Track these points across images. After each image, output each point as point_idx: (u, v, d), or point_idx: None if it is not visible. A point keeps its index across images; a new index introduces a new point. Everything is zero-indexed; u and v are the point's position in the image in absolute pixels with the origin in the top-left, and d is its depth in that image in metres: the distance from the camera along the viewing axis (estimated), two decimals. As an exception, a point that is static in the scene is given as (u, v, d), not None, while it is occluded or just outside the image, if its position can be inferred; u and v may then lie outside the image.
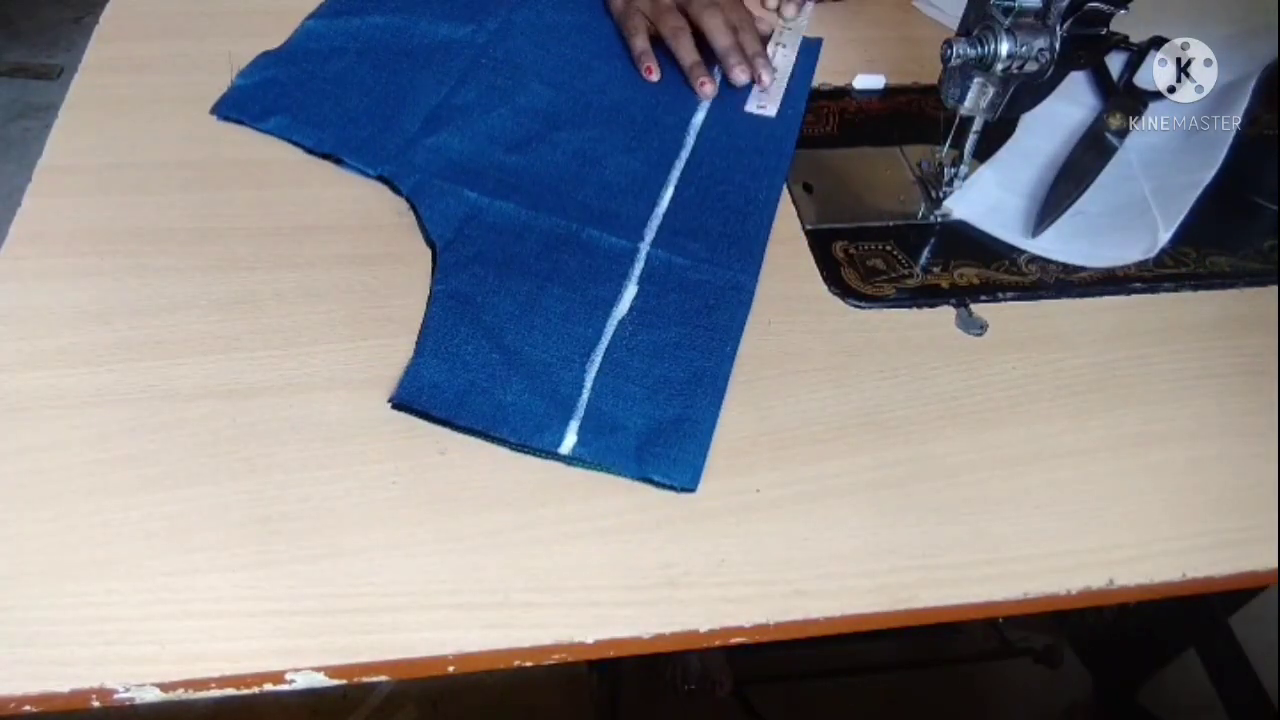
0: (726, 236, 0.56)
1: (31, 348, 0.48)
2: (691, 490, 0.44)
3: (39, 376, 0.46)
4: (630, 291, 0.52)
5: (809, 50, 0.70)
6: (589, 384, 0.48)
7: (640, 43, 0.66)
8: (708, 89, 0.64)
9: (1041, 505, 0.45)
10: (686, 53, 0.65)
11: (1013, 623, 1.12)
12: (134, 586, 0.39)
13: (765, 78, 0.64)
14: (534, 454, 0.45)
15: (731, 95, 0.65)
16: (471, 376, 0.47)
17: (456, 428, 0.45)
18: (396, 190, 0.57)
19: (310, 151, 0.59)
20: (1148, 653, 1.07)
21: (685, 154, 0.61)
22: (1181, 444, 0.48)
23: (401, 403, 0.46)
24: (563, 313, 0.51)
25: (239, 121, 0.60)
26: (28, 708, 0.37)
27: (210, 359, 0.48)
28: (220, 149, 0.58)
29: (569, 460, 0.45)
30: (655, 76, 0.64)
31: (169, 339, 0.48)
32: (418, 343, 0.49)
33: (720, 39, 0.65)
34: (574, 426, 0.46)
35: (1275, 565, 0.44)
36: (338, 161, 0.58)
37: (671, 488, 0.44)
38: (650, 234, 0.56)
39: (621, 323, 0.51)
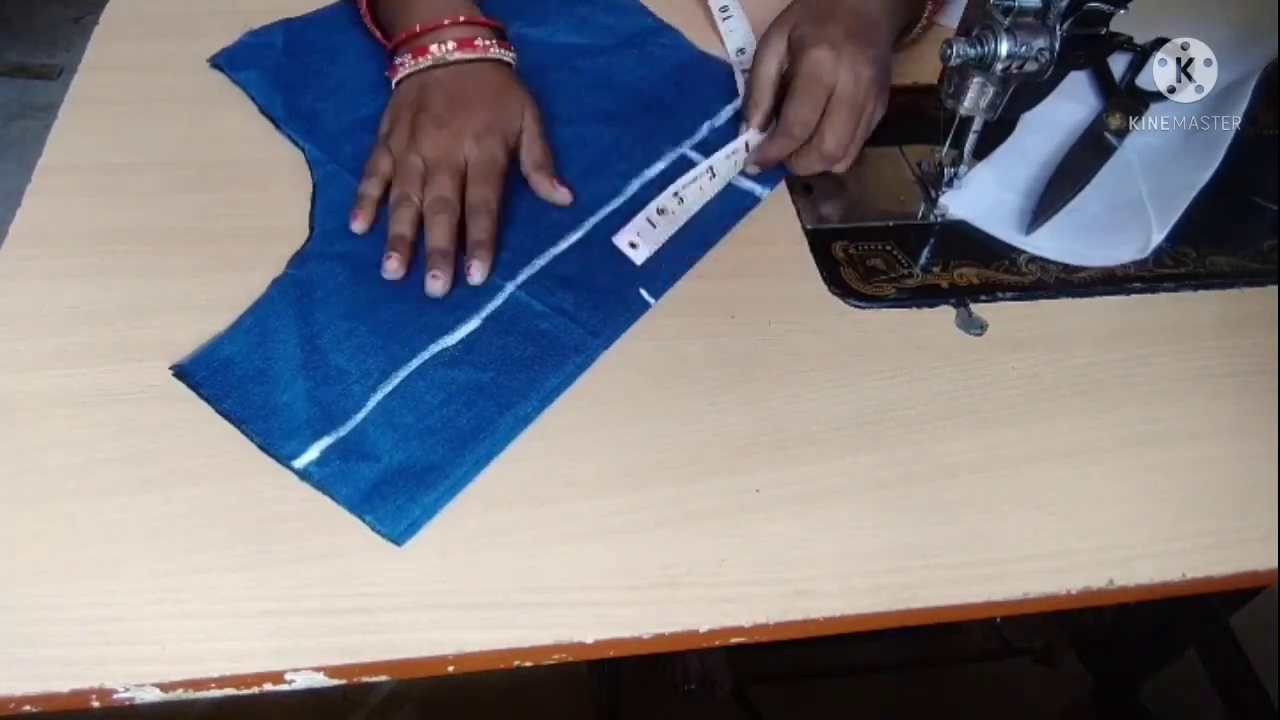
0: (601, 296, 0.51)
1: (31, 348, 0.48)
2: (396, 544, 0.41)
3: (39, 376, 0.46)
4: (470, 325, 0.49)
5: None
6: (369, 406, 0.46)
7: (370, 187, 0.55)
8: (436, 285, 0.50)
9: (1041, 505, 0.45)
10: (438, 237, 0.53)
11: (1013, 623, 1.12)
12: (134, 586, 0.39)
13: (476, 275, 0.51)
14: (275, 459, 0.44)
15: (706, 156, 0.59)
16: (263, 366, 0.47)
17: (219, 411, 0.45)
18: (311, 172, 0.57)
19: (261, 111, 0.60)
20: (1148, 653, 1.07)
21: (615, 204, 0.57)
22: (1181, 444, 0.48)
23: (182, 371, 0.46)
24: (390, 330, 0.49)
25: (217, 68, 0.62)
26: (28, 708, 0.37)
27: (210, 359, 0.48)
28: (220, 149, 0.58)
29: (300, 475, 0.43)
30: (359, 225, 0.53)
31: (169, 339, 0.48)
32: (238, 319, 0.49)
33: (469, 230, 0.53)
34: (321, 444, 0.44)
35: (1275, 565, 0.44)
36: (276, 124, 0.59)
37: (379, 532, 0.42)
38: (524, 275, 0.52)
39: (442, 352, 0.48)
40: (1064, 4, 0.49)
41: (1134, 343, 0.52)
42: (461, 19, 0.58)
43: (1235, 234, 0.59)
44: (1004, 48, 0.49)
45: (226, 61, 0.63)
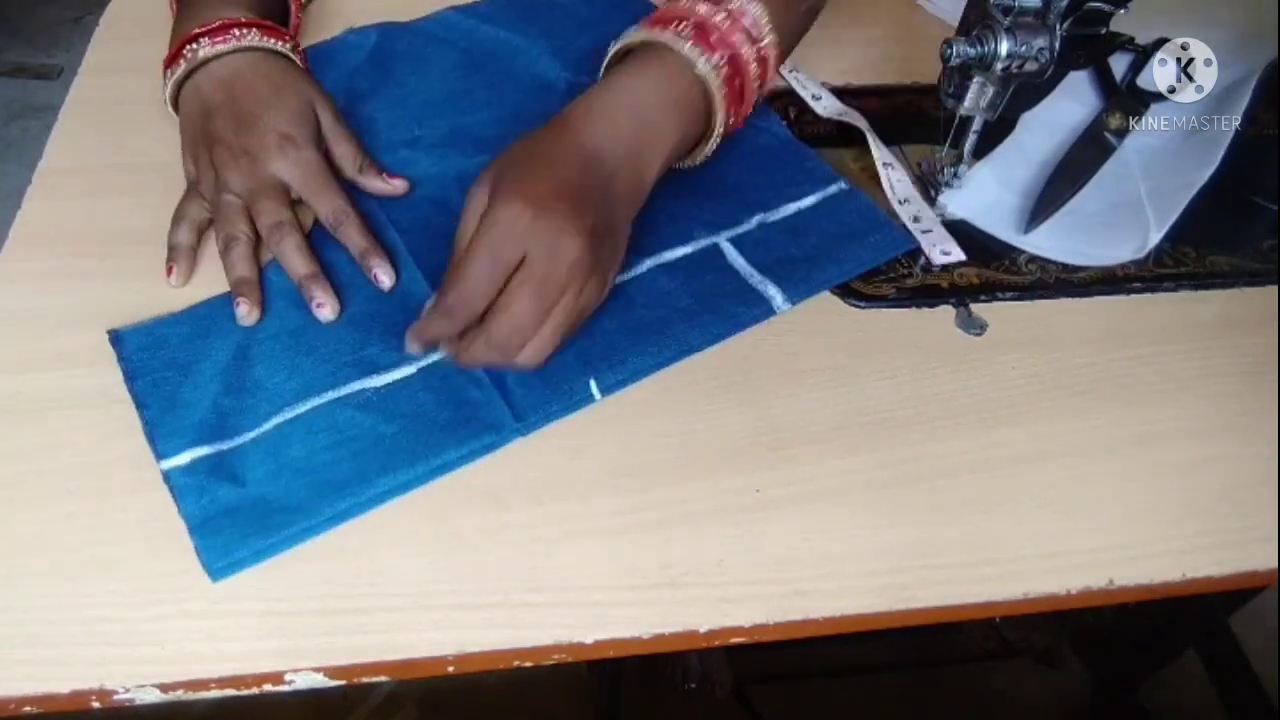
0: (546, 378, 0.46)
1: (31, 348, 0.48)
2: (210, 579, 0.39)
3: (39, 377, 0.46)
4: (403, 372, 0.47)
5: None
6: (265, 426, 0.44)
7: (180, 235, 0.52)
8: (325, 312, 0.48)
9: (1041, 505, 0.45)
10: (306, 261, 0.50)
11: (1013, 623, 1.12)
12: (134, 586, 0.39)
13: (384, 280, 0.50)
14: (150, 447, 0.43)
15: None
16: (189, 358, 0.46)
17: (129, 389, 0.45)
18: None
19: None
20: (1148, 653, 1.07)
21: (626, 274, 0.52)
22: (1181, 444, 0.48)
23: (116, 337, 0.47)
24: (326, 354, 0.47)
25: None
26: (28, 708, 0.37)
27: (210, 359, 0.48)
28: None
29: (162, 477, 0.42)
30: (174, 280, 0.50)
31: (169, 339, 0.48)
32: (195, 304, 0.49)
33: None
34: (196, 452, 0.43)
35: (1275, 565, 0.44)
36: None
37: (201, 560, 0.40)
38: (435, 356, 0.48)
39: (361, 392, 0.46)
40: (1064, 4, 0.49)
41: (1134, 343, 0.52)
42: (216, 22, 0.53)
43: (1235, 234, 0.59)
44: (1004, 48, 0.49)
45: (315, 55, 0.63)
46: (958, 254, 0.55)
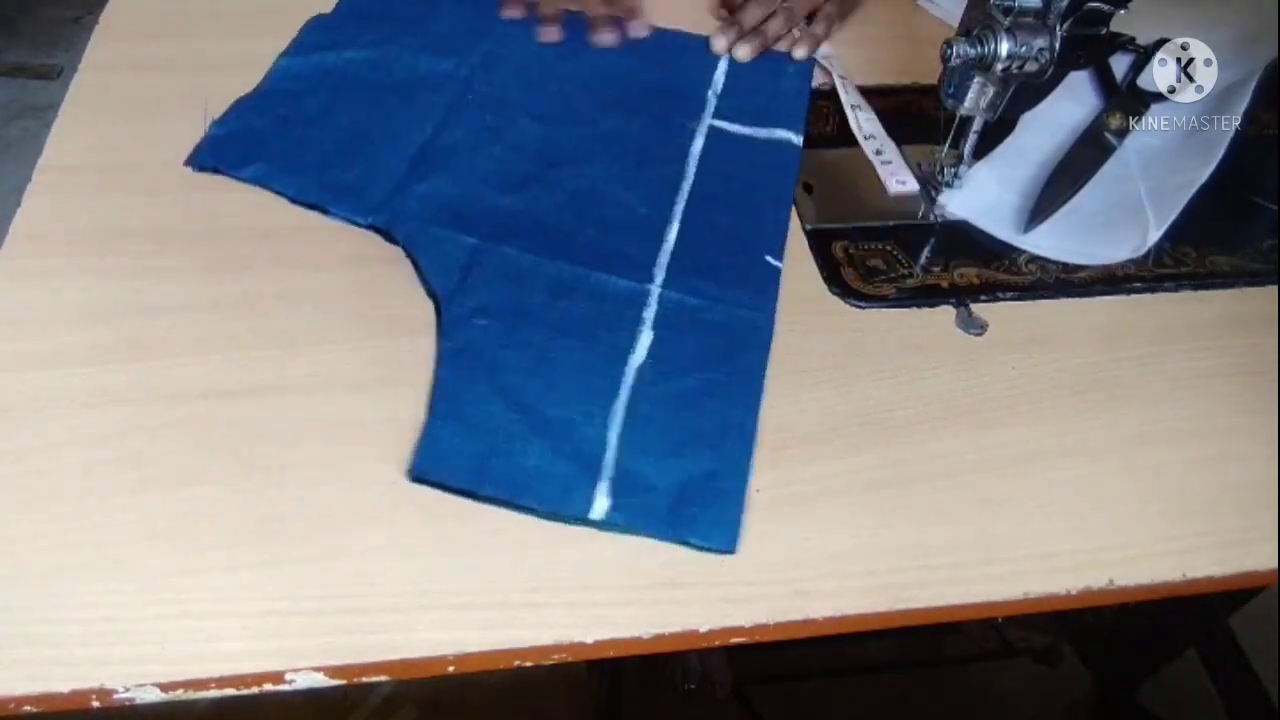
0: (737, 272, 0.53)
1: (31, 348, 0.48)
2: (731, 553, 0.42)
3: (39, 376, 0.46)
4: (646, 338, 0.50)
5: (800, 71, 0.68)
6: (613, 441, 0.45)
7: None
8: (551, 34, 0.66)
9: (1041, 505, 0.45)
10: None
11: (1013, 623, 1.12)
12: (134, 586, 0.39)
13: (641, 29, 0.68)
14: (565, 520, 0.42)
15: (731, 120, 0.63)
16: (490, 440, 0.45)
17: (479, 498, 0.43)
18: (390, 239, 0.54)
19: (294, 201, 0.55)
20: (1148, 653, 1.07)
21: (687, 186, 0.58)
22: (1181, 444, 0.48)
23: (420, 475, 0.43)
24: (577, 364, 0.48)
25: (215, 170, 0.56)
26: (28, 708, 0.37)
27: (210, 359, 0.48)
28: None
29: (602, 526, 0.42)
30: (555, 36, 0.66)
31: (169, 339, 0.48)
32: (430, 405, 0.46)
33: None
34: (603, 489, 0.43)
35: (1275, 565, 0.44)
36: (324, 211, 0.55)
37: (709, 549, 0.42)
38: (660, 274, 0.53)
39: (640, 371, 0.48)
40: (1064, 4, 0.49)
41: (1134, 343, 0.52)
42: None
43: (1235, 234, 0.59)
44: (1004, 48, 0.49)
45: (212, 159, 0.57)
46: (912, 184, 0.60)
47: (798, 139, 0.62)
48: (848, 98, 0.66)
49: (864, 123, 0.64)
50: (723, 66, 0.67)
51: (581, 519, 0.42)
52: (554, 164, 0.59)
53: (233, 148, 0.58)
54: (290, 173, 0.56)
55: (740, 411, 0.47)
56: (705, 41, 0.68)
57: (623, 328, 0.50)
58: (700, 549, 0.42)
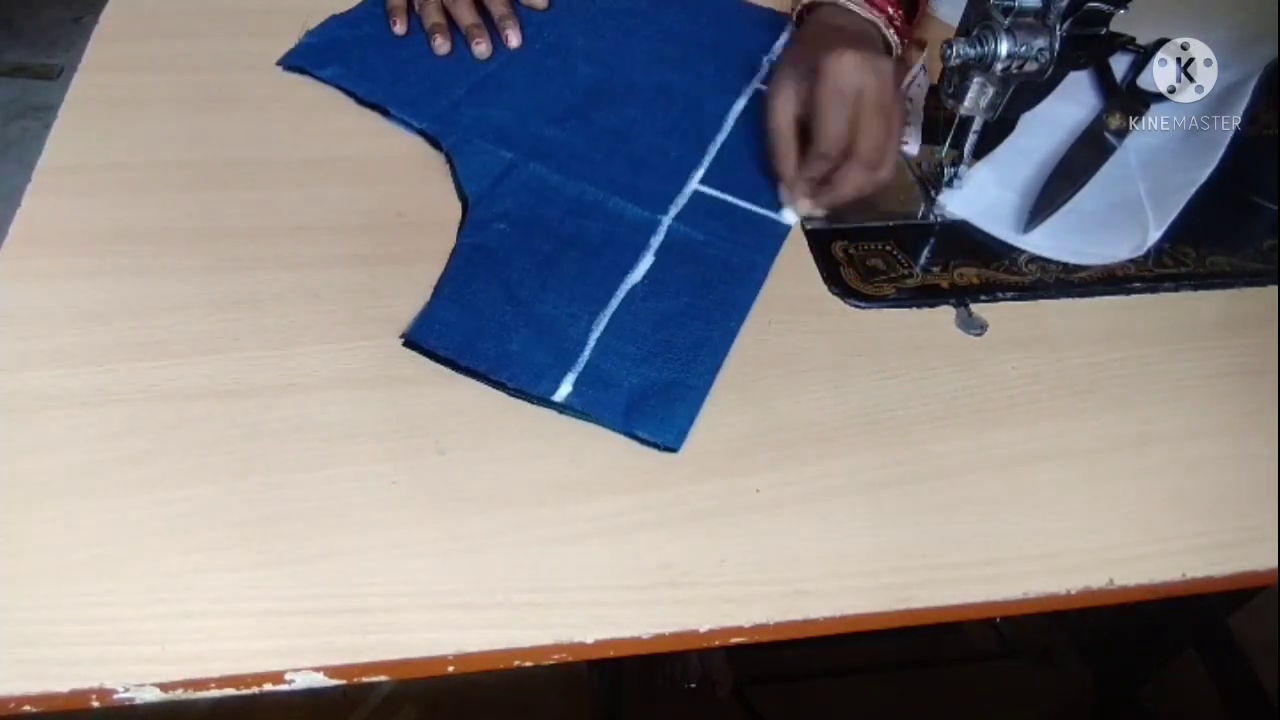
0: (748, 220, 0.57)
1: (31, 348, 0.48)
2: (674, 450, 0.45)
3: (39, 376, 0.46)
4: (647, 261, 0.54)
5: None
6: (592, 341, 0.49)
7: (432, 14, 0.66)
8: (481, 48, 0.65)
9: (1041, 505, 0.45)
10: (465, 13, 0.66)
11: (1013, 623, 1.12)
12: (134, 586, 0.39)
13: (513, 39, 0.66)
14: (529, 399, 0.47)
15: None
16: (482, 323, 0.49)
17: (458, 368, 0.47)
18: (436, 145, 0.59)
19: (360, 101, 0.62)
20: (1148, 653, 1.07)
21: (721, 138, 0.62)
22: (1181, 444, 0.48)
23: (412, 340, 0.48)
24: (577, 274, 0.53)
25: (300, 70, 0.63)
26: (28, 708, 0.37)
27: (210, 359, 0.48)
28: (220, 149, 0.58)
29: (560, 407, 0.46)
30: (400, 28, 0.66)
31: (169, 339, 0.48)
32: (436, 287, 0.51)
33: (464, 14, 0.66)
34: (570, 378, 0.47)
35: (1275, 565, 0.44)
36: (384, 112, 0.61)
37: (655, 445, 0.45)
38: (675, 209, 0.57)
39: (633, 289, 0.52)
40: (1064, 4, 0.49)
41: (1134, 342, 0.52)
42: None
43: (1235, 234, 0.59)
44: (1004, 48, 0.49)
45: (299, 60, 0.64)
46: (912, 147, 0.62)
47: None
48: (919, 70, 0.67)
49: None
50: (783, 38, 0.70)
51: (544, 400, 0.47)
52: (599, 104, 0.64)
53: (318, 54, 0.65)
54: (363, 78, 0.63)
55: (718, 332, 0.50)
56: (762, 11, 0.73)
57: (628, 249, 0.54)
58: (645, 443, 0.45)
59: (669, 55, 0.68)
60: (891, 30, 0.61)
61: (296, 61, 0.64)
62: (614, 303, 0.51)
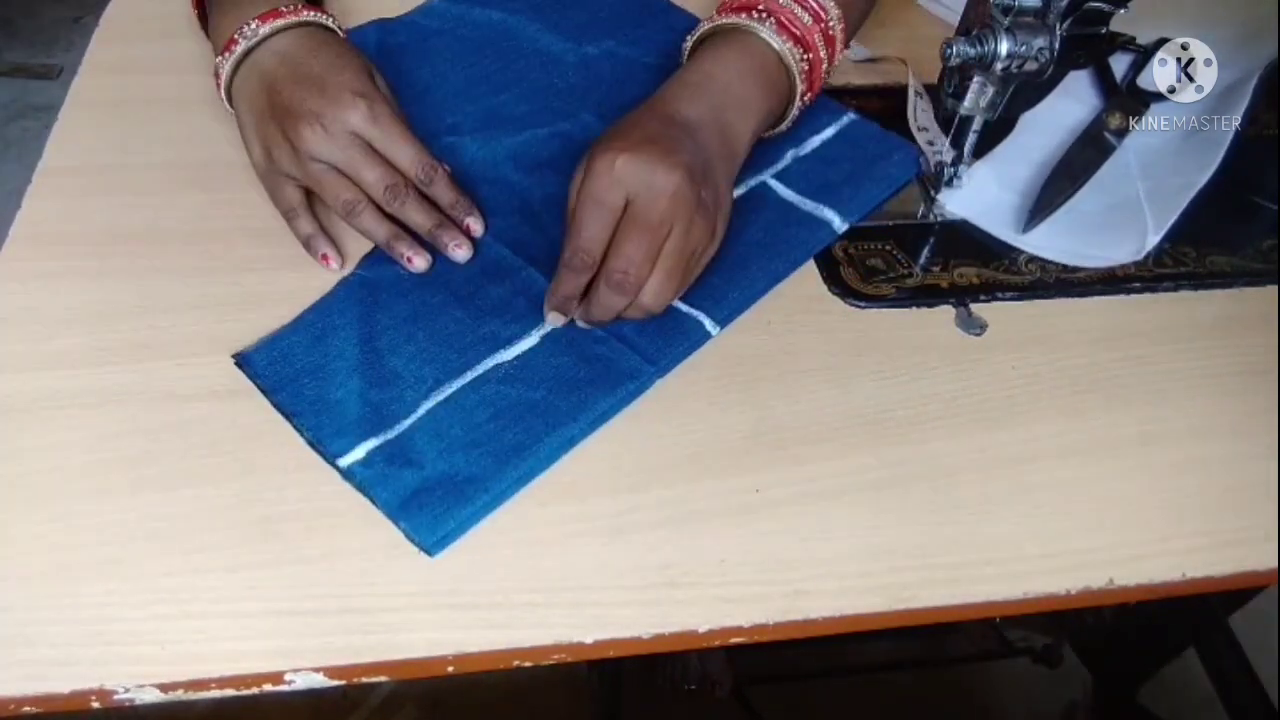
0: (661, 323, 0.49)
1: (31, 348, 0.48)
2: (429, 554, 0.41)
3: (39, 377, 0.46)
4: (527, 342, 0.49)
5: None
6: (418, 413, 0.45)
7: (305, 225, 0.52)
8: (461, 252, 0.52)
9: (1041, 505, 0.45)
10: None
11: (1012, 623, 1.12)
12: (134, 586, 0.39)
13: (476, 228, 0.53)
14: (319, 454, 0.44)
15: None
16: (321, 362, 0.47)
17: (272, 402, 0.45)
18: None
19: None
20: (1148, 653, 1.07)
21: None
22: (1181, 444, 0.48)
23: (242, 360, 0.47)
24: (448, 336, 0.48)
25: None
26: (28, 708, 0.37)
27: (210, 359, 0.48)
28: (220, 149, 0.58)
29: (342, 474, 0.43)
30: (334, 264, 0.51)
31: (169, 339, 0.48)
32: (302, 312, 0.49)
33: (419, 218, 0.51)
34: (368, 445, 0.44)
35: (1275, 565, 0.44)
36: None
37: (413, 541, 0.41)
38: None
39: (496, 367, 0.48)
40: (1064, 4, 0.49)
41: (1134, 343, 0.52)
42: (264, 9, 0.53)
43: (1235, 234, 0.59)
44: (1004, 47, 0.49)
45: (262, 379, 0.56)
46: (946, 151, 0.58)
47: (840, 225, 0.56)
48: (913, 82, 0.62)
49: (920, 114, 0.61)
50: (824, 136, 0.61)
51: (330, 460, 0.44)
52: (578, 155, 0.57)
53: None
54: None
55: (552, 441, 0.45)
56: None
57: (514, 324, 0.49)
58: (407, 537, 0.42)
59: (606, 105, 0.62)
60: (804, 61, 0.53)
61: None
62: (468, 375, 0.47)
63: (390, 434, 0.45)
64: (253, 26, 0.52)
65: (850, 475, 0.45)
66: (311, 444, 0.44)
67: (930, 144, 0.60)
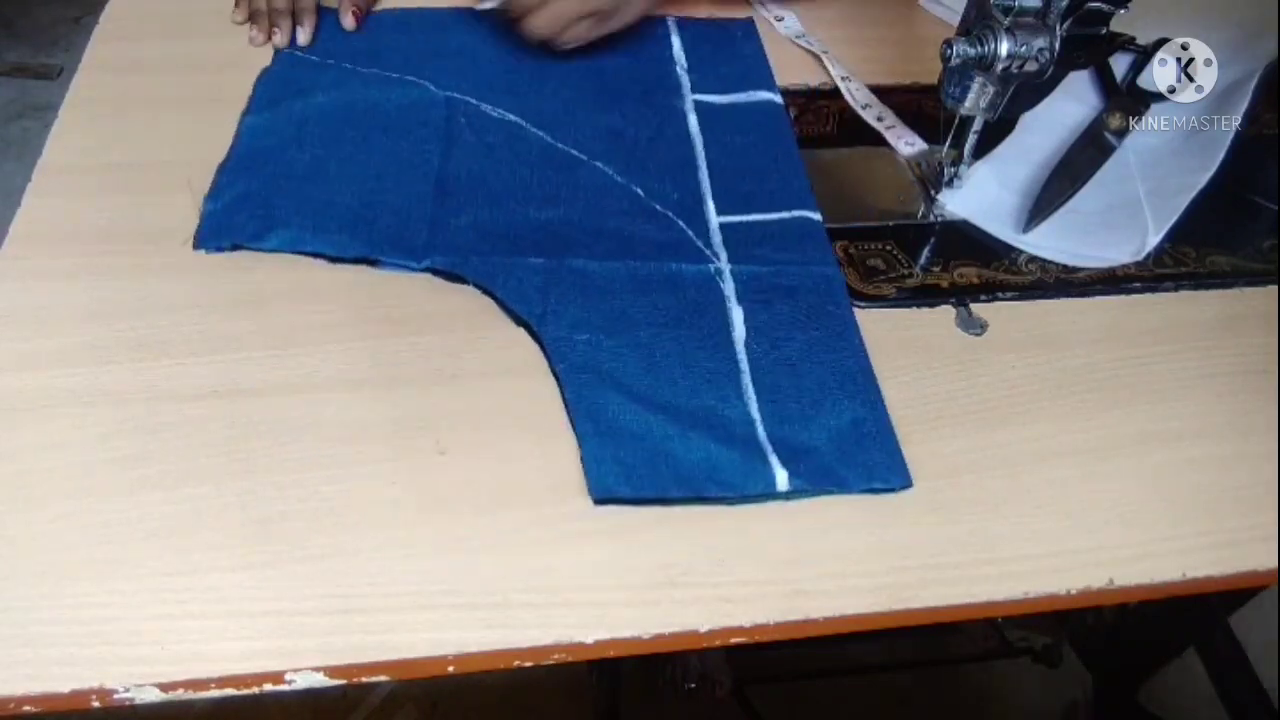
0: (787, 234, 0.56)
1: (31, 348, 0.48)
2: (909, 487, 0.44)
3: (39, 376, 0.46)
4: (738, 314, 0.51)
5: (747, 31, 0.70)
6: (756, 416, 0.46)
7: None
8: (271, 38, 0.65)
9: (1041, 505, 0.45)
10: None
11: (1013, 623, 1.12)
12: (134, 586, 0.39)
13: (303, 36, 0.65)
14: (753, 500, 0.44)
15: (712, 92, 0.65)
16: (648, 444, 0.45)
17: (669, 501, 0.43)
18: (455, 278, 0.52)
19: (335, 260, 0.52)
20: (1148, 653, 1.07)
21: (703, 164, 0.60)
22: (1181, 444, 0.48)
23: (601, 497, 0.43)
24: (687, 354, 0.49)
25: (235, 247, 0.52)
26: (28, 708, 0.37)
27: (210, 359, 0.48)
28: (220, 149, 0.58)
29: (788, 496, 0.44)
30: (260, 39, 0.65)
31: (169, 339, 0.48)
32: (576, 431, 0.45)
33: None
34: (775, 461, 0.44)
35: (1275, 565, 0.44)
36: (373, 263, 0.52)
37: (890, 489, 0.44)
38: (722, 252, 0.54)
39: (747, 345, 0.50)
40: (1064, 4, 0.49)
41: (1134, 342, 0.52)
42: None
43: (1235, 234, 0.59)
44: (1004, 47, 0.49)
45: (221, 237, 0.53)
46: (920, 144, 0.62)
47: (778, 98, 0.65)
48: (835, 70, 0.68)
49: (856, 93, 0.66)
50: (676, 43, 0.69)
51: (769, 494, 0.44)
52: (568, 167, 0.59)
53: (240, 219, 0.54)
54: (319, 231, 0.53)
55: (851, 360, 0.49)
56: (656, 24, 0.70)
57: (711, 310, 0.51)
58: (882, 491, 0.44)
59: (590, 92, 0.64)
60: None
61: (218, 240, 0.52)
62: (744, 366, 0.48)
63: (770, 445, 0.45)
64: None
65: (850, 475, 0.45)
66: (738, 500, 0.44)
67: (880, 119, 0.64)
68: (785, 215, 0.57)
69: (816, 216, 0.57)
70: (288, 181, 0.56)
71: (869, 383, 0.48)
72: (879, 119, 0.64)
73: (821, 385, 0.48)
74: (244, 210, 0.54)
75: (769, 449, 0.45)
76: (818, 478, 0.44)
